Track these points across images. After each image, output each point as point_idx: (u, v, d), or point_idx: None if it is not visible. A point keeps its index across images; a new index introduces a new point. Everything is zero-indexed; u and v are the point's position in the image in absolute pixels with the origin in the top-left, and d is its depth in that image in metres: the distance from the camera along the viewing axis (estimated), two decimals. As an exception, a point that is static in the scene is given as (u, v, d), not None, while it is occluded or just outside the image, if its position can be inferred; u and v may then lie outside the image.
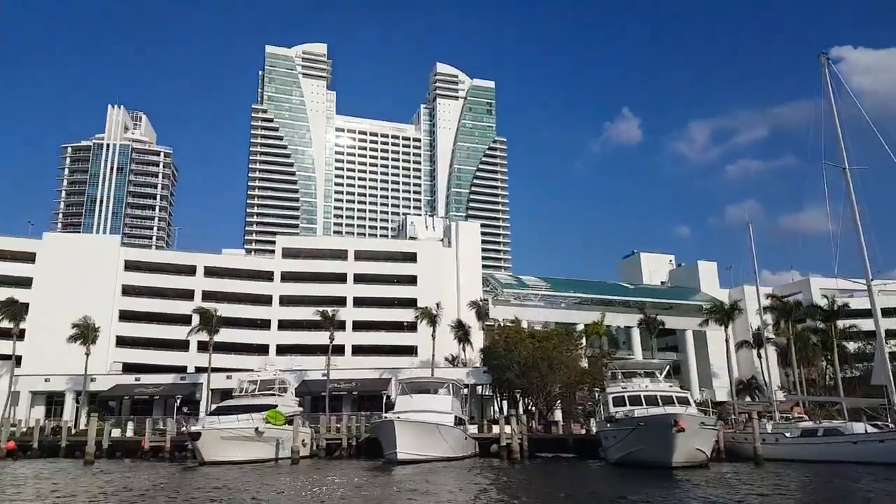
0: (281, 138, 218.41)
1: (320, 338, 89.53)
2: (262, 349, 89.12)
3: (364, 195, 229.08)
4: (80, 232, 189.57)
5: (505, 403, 70.98)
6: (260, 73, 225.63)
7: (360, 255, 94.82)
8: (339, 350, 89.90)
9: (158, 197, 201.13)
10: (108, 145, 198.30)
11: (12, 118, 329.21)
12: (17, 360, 79.94)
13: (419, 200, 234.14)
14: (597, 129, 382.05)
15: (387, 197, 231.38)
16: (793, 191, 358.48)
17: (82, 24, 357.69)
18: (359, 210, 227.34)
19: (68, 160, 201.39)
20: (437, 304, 75.43)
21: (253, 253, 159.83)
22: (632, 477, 36.12)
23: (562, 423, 61.23)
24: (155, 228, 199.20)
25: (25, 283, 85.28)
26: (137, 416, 72.62)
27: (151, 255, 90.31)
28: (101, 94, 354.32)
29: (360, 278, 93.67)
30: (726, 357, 75.61)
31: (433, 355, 72.31)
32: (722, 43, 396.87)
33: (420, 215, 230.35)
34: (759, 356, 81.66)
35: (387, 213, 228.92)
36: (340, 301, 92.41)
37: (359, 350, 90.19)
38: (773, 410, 51.82)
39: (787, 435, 43.31)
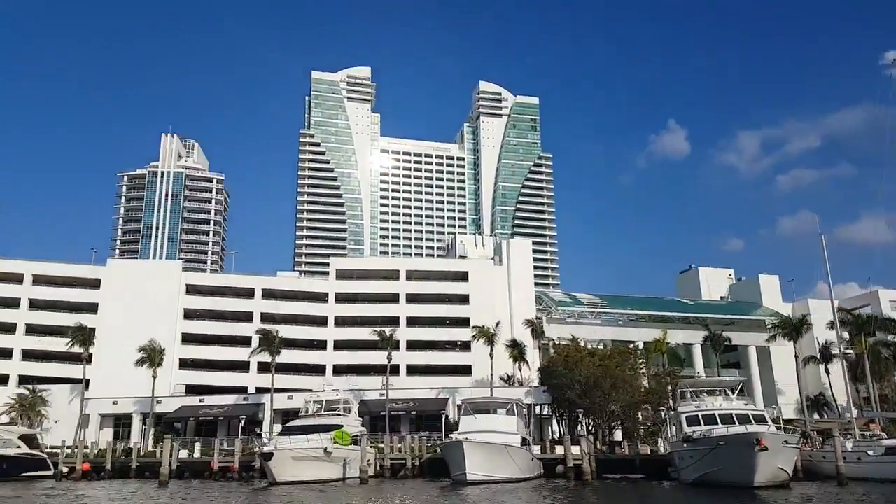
0: (328, 161, 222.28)
1: (375, 357, 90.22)
2: (319, 369, 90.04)
3: (409, 215, 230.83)
4: (137, 257, 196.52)
5: (564, 423, 69.99)
6: (307, 98, 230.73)
7: (412, 275, 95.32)
8: (393, 370, 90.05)
9: (212, 222, 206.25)
10: (162, 173, 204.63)
11: (69, 147, 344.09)
12: (86, 384, 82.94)
13: (464, 219, 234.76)
14: (642, 142, 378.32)
15: (432, 216, 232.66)
16: (848, 200, 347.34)
17: (134, 55, 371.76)
18: (404, 230, 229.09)
19: (124, 188, 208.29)
20: (497, 324, 74.85)
21: (303, 274, 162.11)
22: (710, 498, 35.21)
23: (627, 442, 60.02)
24: (209, 253, 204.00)
25: (91, 308, 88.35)
26: (202, 436, 74.16)
27: (211, 279, 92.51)
28: (154, 122, 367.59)
29: (413, 298, 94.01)
30: (796, 373, 73.06)
31: (491, 375, 71.93)
32: (769, 51, 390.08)
33: (465, 233, 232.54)
34: (828, 372, 78.88)
35: (432, 232, 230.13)
36: (393, 321, 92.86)
37: (413, 370, 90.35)
38: (852, 428, 49.81)
39: (870, 453, 41.59)
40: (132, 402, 77.09)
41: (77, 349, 71.34)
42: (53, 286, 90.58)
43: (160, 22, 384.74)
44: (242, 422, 70.45)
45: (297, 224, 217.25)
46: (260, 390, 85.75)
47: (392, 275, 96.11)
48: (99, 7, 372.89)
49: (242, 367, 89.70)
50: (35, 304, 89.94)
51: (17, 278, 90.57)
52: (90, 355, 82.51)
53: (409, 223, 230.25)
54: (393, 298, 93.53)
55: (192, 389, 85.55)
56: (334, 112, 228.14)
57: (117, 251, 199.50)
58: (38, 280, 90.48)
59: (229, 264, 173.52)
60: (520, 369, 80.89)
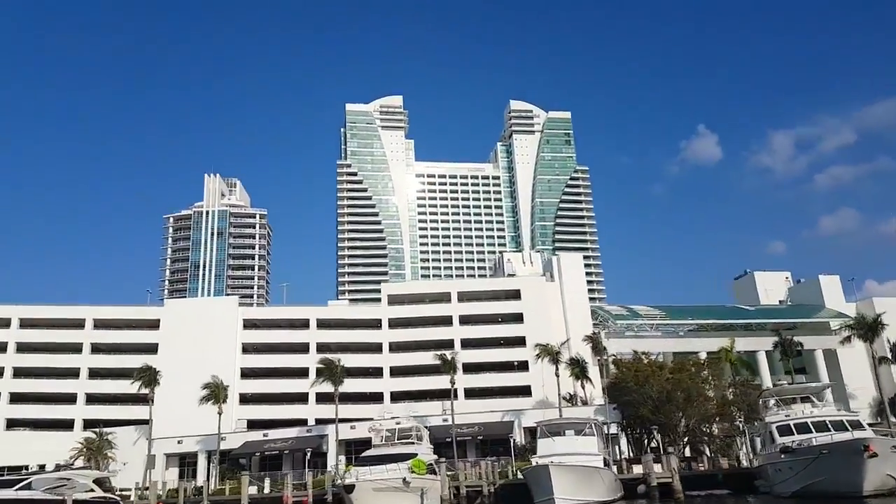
0: (365, 189, 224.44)
1: (432, 382, 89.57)
2: (376, 397, 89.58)
3: (448, 237, 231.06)
4: (186, 296, 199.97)
5: (633, 441, 68.00)
6: (342, 130, 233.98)
7: (464, 297, 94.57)
8: (449, 394, 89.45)
9: (256, 257, 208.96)
10: (207, 212, 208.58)
11: (114, 190, 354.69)
12: (147, 423, 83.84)
13: (503, 237, 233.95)
14: (673, 150, 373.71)
15: (470, 236, 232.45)
16: (890, 193, 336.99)
17: (170, 103, 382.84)
18: (444, 252, 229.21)
19: (171, 229, 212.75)
20: (564, 342, 73.27)
21: (350, 302, 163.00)
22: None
23: (705, 457, 57.94)
24: (255, 287, 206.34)
25: (152, 349, 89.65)
26: (267, 471, 74.06)
27: (267, 312, 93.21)
28: (195, 164, 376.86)
29: (466, 319, 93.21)
30: (873, 374, 69.98)
31: (559, 394, 70.27)
32: (795, 48, 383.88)
33: (506, 251, 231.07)
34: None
35: (472, 252, 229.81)
36: (448, 344, 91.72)
37: (471, 393, 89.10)
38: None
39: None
40: (196, 440, 77.54)
41: (143, 390, 71.87)
42: (114, 329, 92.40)
43: (191, 64, 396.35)
44: (309, 454, 70.01)
45: (339, 253, 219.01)
46: (319, 421, 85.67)
47: (443, 297, 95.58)
48: (136, 57, 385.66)
49: (301, 398, 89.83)
50: (97, 348, 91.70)
51: (78, 324, 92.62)
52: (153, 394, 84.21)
53: (449, 245, 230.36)
54: (446, 321, 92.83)
55: (252, 424, 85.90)
56: (369, 141, 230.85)
57: (166, 291, 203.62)
58: (99, 324, 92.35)
59: (276, 297, 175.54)
60: (582, 387, 79.23)
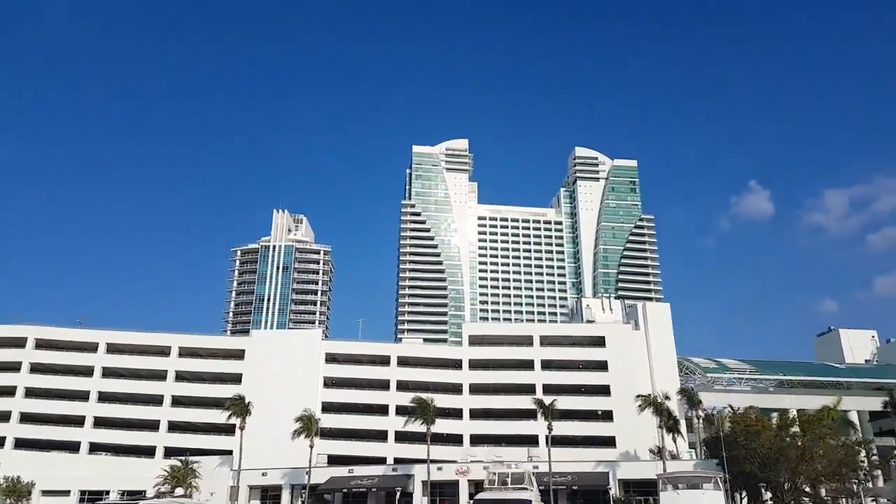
0: (428, 230, 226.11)
1: (514, 427, 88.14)
2: (455, 439, 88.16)
3: (508, 279, 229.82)
4: (249, 328, 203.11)
5: (739, 499, 64.87)
6: (407, 171, 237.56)
7: (545, 341, 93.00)
8: (532, 440, 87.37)
9: (319, 292, 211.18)
10: (274, 247, 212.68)
11: (183, 225, 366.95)
12: (229, 453, 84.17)
13: (563, 282, 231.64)
14: (724, 204, 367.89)
15: (531, 280, 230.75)
16: None
17: (243, 140, 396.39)
18: (503, 294, 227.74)
19: (237, 262, 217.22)
20: (667, 396, 70.75)
21: (422, 340, 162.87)
22: None
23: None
24: (316, 322, 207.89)
25: (236, 378, 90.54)
26: (350, 509, 73.43)
27: (350, 347, 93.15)
28: (262, 198, 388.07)
29: (547, 364, 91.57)
30: None
31: (662, 447, 67.51)
32: (848, 108, 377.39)
33: (566, 295, 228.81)
34: None
35: (531, 296, 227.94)
36: (529, 389, 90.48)
37: (553, 441, 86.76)
38: None
39: None
40: (281, 473, 77.33)
41: (234, 419, 72.29)
42: (199, 358, 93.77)
43: (266, 104, 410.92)
44: (399, 493, 68.94)
45: (400, 291, 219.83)
46: (398, 460, 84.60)
47: (524, 340, 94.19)
48: (210, 97, 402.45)
49: (380, 436, 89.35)
50: (181, 376, 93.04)
51: (164, 351, 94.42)
52: (232, 425, 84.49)
53: (509, 287, 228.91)
54: (527, 365, 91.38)
55: (331, 459, 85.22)
56: (433, 182, 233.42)
57: (230, 323, 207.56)
58: (184, 352, 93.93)
59: (336, 332, 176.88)
60: (674, 441, 76.47)
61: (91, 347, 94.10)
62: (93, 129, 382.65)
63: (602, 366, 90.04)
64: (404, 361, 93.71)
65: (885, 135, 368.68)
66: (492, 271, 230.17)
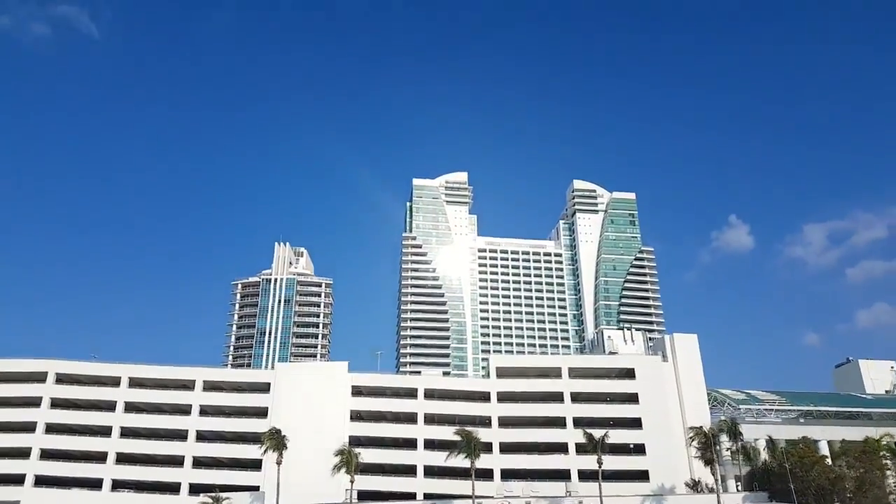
0: (429, 262, 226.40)
1: (545, 461, 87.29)
2: (486, 473, 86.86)
3: (509, 312, 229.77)
4: (250, 362, 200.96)
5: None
6: (408, 203, 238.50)
7: (574, 373, 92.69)
8: (564, 475, 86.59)
9: (321, 325, 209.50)
10: (276, 280, 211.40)
11: (181, 257, 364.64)
12: (256, 489, 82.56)
13: (564, 314, 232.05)
14: (704, 239, 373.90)
15: (531, 312, 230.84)
16: None
17: (240, 175, 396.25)
18: (505, 327, 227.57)
19: (238, 295, 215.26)
20: (721, 429, 69.84)
21: (408, 373, 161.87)
22: None
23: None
24: (318, 356, 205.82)
25: (262, 413, 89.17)
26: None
27: (374, 380, 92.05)
28: (260, 230, 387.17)
29: (575, 397, 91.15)
30: None
31: (717, 481, 66.61)
32: (825, 144, 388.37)
33: (567, 328, 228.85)
34: None
35: (533, 328, 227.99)
36: (559, 422, 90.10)
37: (584, 475, 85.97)
38: None
39: None
40: (316, 509, 75.71)
41: (272, 453, 70.99)
42: (223, 391, 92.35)
43: (265, 137, 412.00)
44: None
45: (402, 323, 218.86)
46: (428, 496, 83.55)
47: (552, 372, 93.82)
48: (211, 131, 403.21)
49: (409, 470, 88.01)
50: (204, 411, 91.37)
51: (187, 385, 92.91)
52: (259, 461, 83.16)
53: (510, 319, 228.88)
54: (556, 397, 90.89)
55: (361, 495, 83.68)
56: (434, 215, 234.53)
57: (230, 357, 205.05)
58: (208, 386, 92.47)
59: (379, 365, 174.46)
60: (712, 473, 76.00)
61: (113, 382, 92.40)
62: (93, 161, 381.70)
63: (632, 398, 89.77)
64: (430, 394, 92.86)
65: (861, 170, 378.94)
66: (493, 303, 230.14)
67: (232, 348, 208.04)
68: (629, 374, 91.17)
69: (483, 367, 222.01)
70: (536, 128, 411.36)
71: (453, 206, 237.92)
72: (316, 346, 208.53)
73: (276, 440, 71.41)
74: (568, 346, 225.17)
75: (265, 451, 72.41)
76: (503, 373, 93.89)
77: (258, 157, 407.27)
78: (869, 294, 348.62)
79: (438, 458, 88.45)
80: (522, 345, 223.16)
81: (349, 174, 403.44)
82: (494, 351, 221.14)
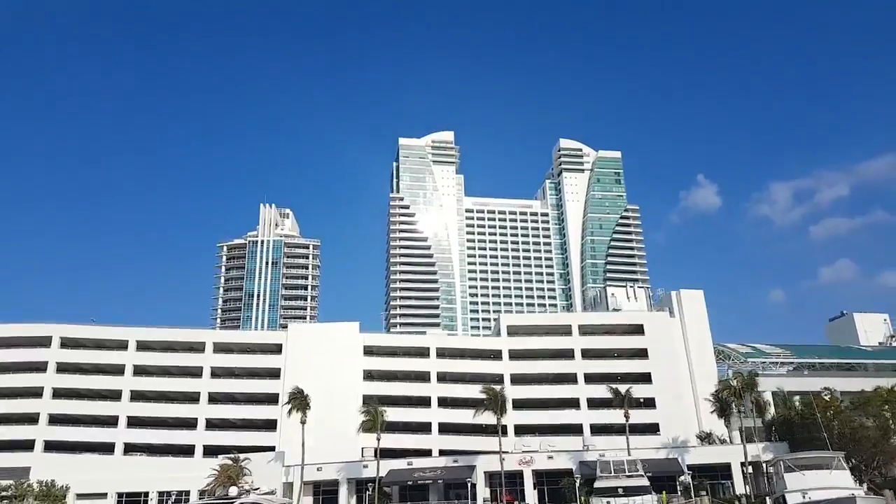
0: (417, 223, 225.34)
1: (558, 416, 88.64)
2: (500, 429, 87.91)
3: (497, 271, 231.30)
4: (239, 324, 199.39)
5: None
6: (394, 164, 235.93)
7: (584, 330, 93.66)
8: (577, 429, 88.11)
9: (309, 287, 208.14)
10: (262, 241, 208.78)
11: (165, 220, 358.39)
12: (273, 448, 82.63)
13: (552, 273, 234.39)
14: (673, 199, 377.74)
15: (519, 272, 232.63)
16: (891, 245, 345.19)
17: (225, 128, 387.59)
18: (493, 287, 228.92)
19: (224, 258, 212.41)
20: (749, 374, 70.60)
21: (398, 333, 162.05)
22: None
23: None
24: (307, 318, 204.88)
25: (274, 374, 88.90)
26: (411, 502, 72.81)
27: (386, 339, 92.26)
28: (244, 192, 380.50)
29: (585, 353, 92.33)
30: None
31: (741, 429, 67.53)
32: (791, 102, 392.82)
33: (554, 286, 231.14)
34: None
35: (520, 287, 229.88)
36: (570, 378, 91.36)
37: (595, 430, 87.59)
38: None
39: None
40: (336, 468, 76.01)
41: (296, 414, 70.78)
42: (234, 353, 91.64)
43: (248, 96, 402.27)
44: (470, 485, 68.66)
45: (392, 285, 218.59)
46: (443, 452, 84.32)
47: (561, 329, 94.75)
48: (194, 92, 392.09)
49: (423, 428, 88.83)
50: (215, 373, 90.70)
51: (198, 347, 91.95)
52: (273, 421, 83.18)
53: (497, 279, 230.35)
54: (567, 354, 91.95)
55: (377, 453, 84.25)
56: (421, 175, 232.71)
57: (218, 320, 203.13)
58: (219, 348, 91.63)
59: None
60: (726, 425, 77.91)
61: (118, 345, 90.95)
62: (76, 125, 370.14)
63: (640, 353, 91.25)
64: (441, 353, 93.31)
65: (825, 128, 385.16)
66: (480, 263, 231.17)
67: (220, 311, 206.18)
68: (637, 329, 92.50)
69: (472, 326, 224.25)
70: (523, 86, 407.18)
71: (440, 166, 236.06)
72: (305, 308, 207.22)
73: (301, 400, 71.10)
74: (555, 305, 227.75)
75: (289, 412, 72.11)
76: (514, 331, 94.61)
77: (239, 118, 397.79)
78: (833, 251, 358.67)
79: (451, 416, 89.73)
80: (510, 304, 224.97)
81: (332, 135, 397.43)
82: (483, 310, 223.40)
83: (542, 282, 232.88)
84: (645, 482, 45.73)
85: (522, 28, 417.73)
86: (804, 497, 39.73)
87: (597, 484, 46.90)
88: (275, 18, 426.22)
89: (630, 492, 43.30)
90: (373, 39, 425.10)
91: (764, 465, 50.11)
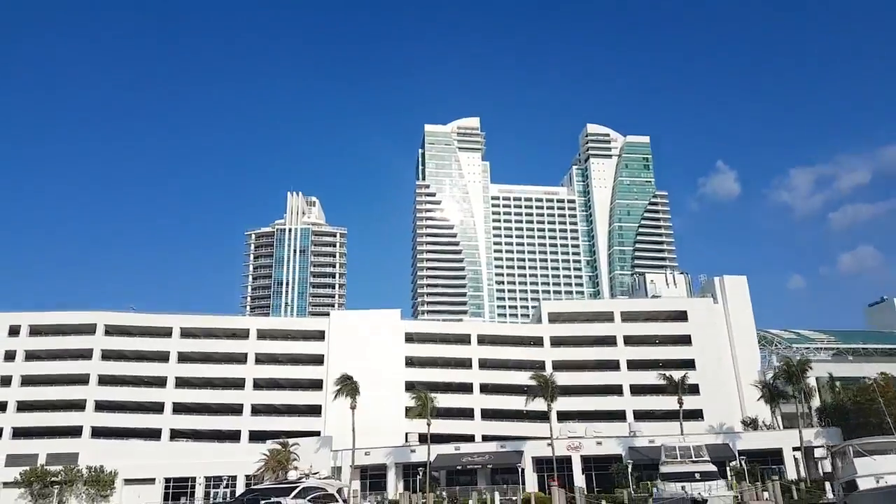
0: (443, 210, 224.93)
1: (600, 403, 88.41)
2: (542, 416, 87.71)
3: (524, 258, 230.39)
4: (268, 312, 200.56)
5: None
6: (420, 150, 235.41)
7: (626, 317, 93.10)
8: (619, 415, 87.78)
9: (337, 275, 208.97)
10: (289, 230, 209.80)
11: (192, 207, 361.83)
12: (318, 433, 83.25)
13: (578, 260, 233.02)
14: (692, 186, 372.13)
15: (546, 259, 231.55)
16: None
17: (253, 123, 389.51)
18: (519, 274, 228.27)
19: (252, 246, 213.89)
20: (802, 363, 69.51)
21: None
22: None
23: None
24: (335, 305, 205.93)
25: (317, 360, 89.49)
26: (459, 486, 72.90)
27: (427, 326, 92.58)
28: (272, 180, 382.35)
29: (628, 340, 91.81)
30: None
31: (798, 413, 66.90)
32: (813, 88, 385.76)
33: (581, 274, 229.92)
34: None
35: (547, 274, 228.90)
36: (612, 364, 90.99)
37: (639, 416, 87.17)
38: None
39: None
40: (384, 452, 76.55)
41: (346, 398, 71.20)
42: (277, 340, 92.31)
43: (275, 86, 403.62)
44: (521, 470, 68.76)
45: (418, 273, 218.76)
46: (486, 437, 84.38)
47: (602, 316, 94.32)
48: (221, 81, 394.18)
49: (465, 414, 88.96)
50: (259, 360, 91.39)
51: (237, 333, 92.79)
52: (318, 406, 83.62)
53: (524, 266, 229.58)
54: (609, 341, 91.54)
55: (422, 438, 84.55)
56: (447, 162, 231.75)
57: (248, 308, 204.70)
58: (263, 335, 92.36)
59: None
60: (773, 412, 77.16)
61: (163, 333, 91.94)
62: (104, 113, 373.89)
63: (684, 339, 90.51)
64: (482, 340, 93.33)
65: (846, 113, 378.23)
66: (507, 250, 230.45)
67: (249, 299, 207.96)
68: (680, 316, 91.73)
69: (499, 314, 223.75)
70: (549, 71, 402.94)
71: (466, 153, 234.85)
72: (333, 296, 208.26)
73: (350, 385, 71.51)
74: (582, 292, 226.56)
75: (335, 397, 72.64)
76: (555, 318, 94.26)
77: (265, 107, 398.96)
78: (853, 238, 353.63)
79: (494, 402, 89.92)
80: (537, 291, 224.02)
81: (358, 122, 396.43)
82: (510, 298, 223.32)
83: (568, 269, 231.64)
84: (712, 467, 45.29)
85: (548, 13, 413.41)
86: (878, 482, 38.85)
87: (663, 469, 46.53)
88: (296, 10, 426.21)
89: (705, 476, 42.92)
90: (398, 26, 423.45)
91: (825, 449, 49.36)
